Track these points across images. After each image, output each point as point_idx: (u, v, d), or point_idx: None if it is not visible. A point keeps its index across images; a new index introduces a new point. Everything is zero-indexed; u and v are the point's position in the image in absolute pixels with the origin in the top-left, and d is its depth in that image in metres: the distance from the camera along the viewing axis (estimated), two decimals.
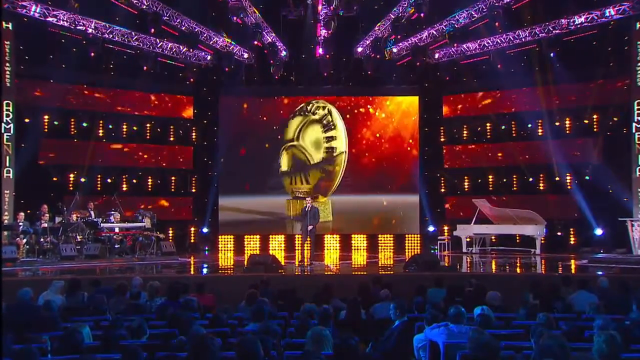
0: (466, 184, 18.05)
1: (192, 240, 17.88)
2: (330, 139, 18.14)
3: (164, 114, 17.90)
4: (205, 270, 13.40)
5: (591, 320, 5.42)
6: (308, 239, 12.99)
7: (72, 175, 16.23)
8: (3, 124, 14.13)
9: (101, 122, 16.72)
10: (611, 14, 14.16)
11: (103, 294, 7.34)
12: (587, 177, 15.92)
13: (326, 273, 12.36)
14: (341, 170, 18.04)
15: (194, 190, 18.25)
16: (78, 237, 13.96)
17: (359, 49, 17.29)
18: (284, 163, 18.08)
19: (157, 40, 16.02)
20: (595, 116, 16.10)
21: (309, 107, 18.19)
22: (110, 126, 16.89)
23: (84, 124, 16.41)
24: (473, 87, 17.82)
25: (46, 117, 15.84)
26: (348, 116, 18.21)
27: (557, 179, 16.37)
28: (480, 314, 5.49)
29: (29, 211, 14.08)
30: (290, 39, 17.36)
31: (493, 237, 16.30)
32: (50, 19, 14.17)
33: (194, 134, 18.28)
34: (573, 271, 12.20)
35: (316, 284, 8.03)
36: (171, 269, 12.94)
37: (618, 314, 6.03)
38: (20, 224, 13.34)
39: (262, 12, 16.56)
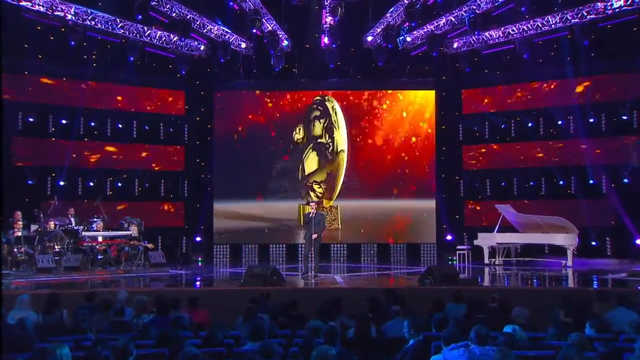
0: (488, 187, 18.00)
1: (183, 250, 17.89)
2: (329, 136, 18.19)
3: (152, 109, 17.93)
4: (198, 284, 13.40)
5: (631, 341, 5.37)
6: (312, 249, 12.99)
7: (49, 178, 16.25)
8: None
9: (82, 119, 16.72)
10: None
11: (85, 310, 7.34)
12: (625, 180, 15.87)
13: (333, 286, 12.35)
14: (342, 171, 18.06)
15: (185, 195, 18.27)
16: (56, 247, 13.98)
17: (369, 38, 17.29)
18: (313, 163, 18.13)
19: (145, 28, 16.05)
20: (635, 112, 16.03)
21: (325, 101, 18.32)
22: (93, 123, 16.89)
23: (63, 121, 16.42)
24: (496, 80, 17.73)
25: (20, 113, 15.87)
26: (356, 112, 18.24)
27: (591, 182, 16.32)
28: (507, 333, 5.45)
29: (0, 218, 14.08)
30: (293, 27, 17.38)
31: (518, 247, 16.24)
32: (24, 3, 14.16)
33: (185, 132, 18.31)
34: (610, 285, 12.16)
35: (321, 299, 8.01)
36: (160, 282, 12.95)
37: None
38: None
39: None
